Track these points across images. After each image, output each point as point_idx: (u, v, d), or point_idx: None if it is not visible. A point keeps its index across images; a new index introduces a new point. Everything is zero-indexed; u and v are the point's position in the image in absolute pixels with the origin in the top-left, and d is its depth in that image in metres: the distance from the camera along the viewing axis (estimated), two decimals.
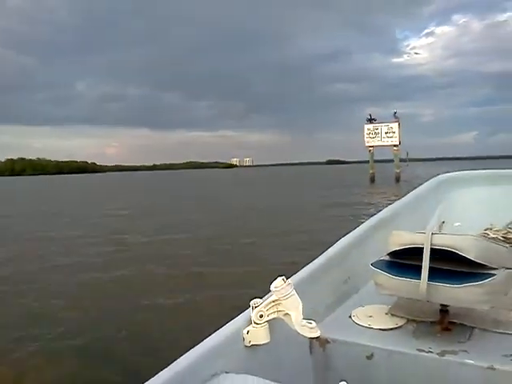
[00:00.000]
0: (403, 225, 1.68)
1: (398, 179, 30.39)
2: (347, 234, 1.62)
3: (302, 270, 1.31)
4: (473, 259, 1.02)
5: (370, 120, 31.69)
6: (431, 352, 1.01)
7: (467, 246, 1.04)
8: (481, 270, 1.03)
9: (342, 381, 0.75)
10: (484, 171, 2.30)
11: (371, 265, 1.17)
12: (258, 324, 0.97)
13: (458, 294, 1.00)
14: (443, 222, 1.92)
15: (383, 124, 31.02)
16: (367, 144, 31.63)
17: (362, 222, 1.75)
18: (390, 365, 1.04)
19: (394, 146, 30.66)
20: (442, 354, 1.00)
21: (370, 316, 1.22)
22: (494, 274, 1.01)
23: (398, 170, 30.74)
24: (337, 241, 1.54)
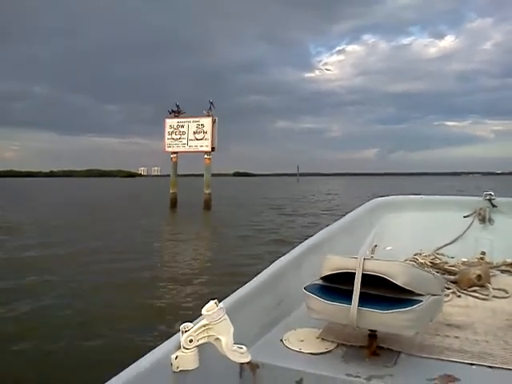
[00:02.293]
0: (338, 248, 1.84)
1: (207, 205, 19.56)
2: (282, 256, 1.59)
3: (235, 293, 1.27)
4: (401, 285, 1.05)
5: (176, 112, 20.63)
6: (359, 377, 1.03)
7: (396, 272, 1.06)
8: (408, 297, 1.06)
9: None
10: (415, 196, 2.61)
11: (304, 288, 1.17)
12: (187, 349, 0.95)
13: (385, 320, 1.03)
14: (376, 246, 2.13)
15: (191, 119, 20.13)
16: (167, 149, 20.49)
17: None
18: None
19: (205, 152, 19.87)
20: (369, 378, 1.02)
21: (302, 340, 1.23)
22: (420, 301, 1.04)
23: (207, 191, 19.82)
24: (271, 263, 1.51)
